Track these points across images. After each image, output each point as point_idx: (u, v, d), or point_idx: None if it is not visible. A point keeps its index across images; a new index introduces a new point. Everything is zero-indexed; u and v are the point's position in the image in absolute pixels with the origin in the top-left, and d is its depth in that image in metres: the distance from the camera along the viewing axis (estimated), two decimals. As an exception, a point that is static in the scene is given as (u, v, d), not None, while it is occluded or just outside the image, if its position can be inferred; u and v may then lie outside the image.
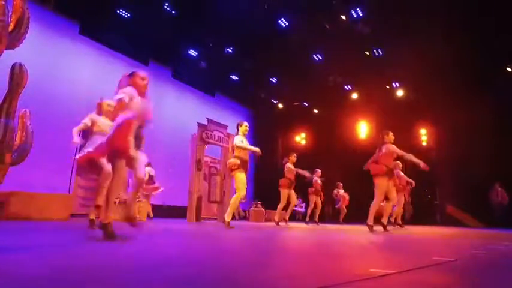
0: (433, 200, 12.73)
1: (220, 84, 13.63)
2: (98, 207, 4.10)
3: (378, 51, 11.07)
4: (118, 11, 9.30)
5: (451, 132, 11.60)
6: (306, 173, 7.98)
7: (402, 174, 7.85)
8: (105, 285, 1.20)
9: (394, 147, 5.53)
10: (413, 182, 7.96)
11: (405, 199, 8.16)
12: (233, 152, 5.63)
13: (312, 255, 2.44)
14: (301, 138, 15.59)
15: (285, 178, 7.79)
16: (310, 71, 12.17)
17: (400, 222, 7.96)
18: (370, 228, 5.44)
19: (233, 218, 5.99)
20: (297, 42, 10.37)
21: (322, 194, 9.34)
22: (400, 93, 12.87)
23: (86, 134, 4.33)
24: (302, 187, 9.31)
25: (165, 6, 9.34)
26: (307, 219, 9.16)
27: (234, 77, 13.11)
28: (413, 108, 12.23)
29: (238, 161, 5.39)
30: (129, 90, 2.78)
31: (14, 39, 4.75)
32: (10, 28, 4.67)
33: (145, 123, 2.85)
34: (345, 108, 13.90)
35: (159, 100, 10.14)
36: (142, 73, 2.95)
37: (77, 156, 3.86)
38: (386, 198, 5.65)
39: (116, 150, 2.67)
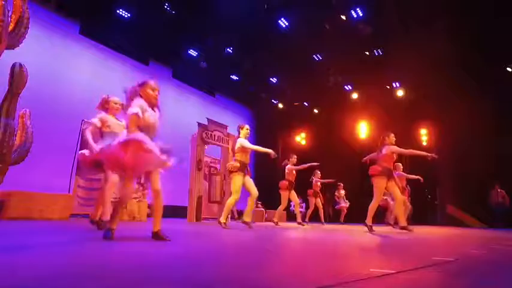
0: (433, 200, 12.73)
1: (221, 84, 13.62)
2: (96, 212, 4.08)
3: (378, 51, 11.07)
4: (118, 11, 9.30)
5: (452, 132, 11.60)
6: (305, 166, 7.94)
7: (404, 174, 7.83)
8: (105, 285, 1.20)
9: (395, 148, 5.54)
10: (420, 178, 7.87)
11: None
12: (233, 155, 5.62)
13: (311, 255, 2.44)
14: (301, 138, 15.59)
15: (285, 180, 7.80)
16: (310, 71, 12.17)
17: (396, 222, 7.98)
18: (370, 228, 5.44)
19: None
20: (297, 42, 10.37)
21: (321, 195, 9.35)
22: (400, 93, 12.87)
23: (95, 134, 4.28)
24: (302, 188, 9.32)
25: (165, 6, 9.34)
26: (306, 219, 9.16)
27: (234, 77, 13.10)
28: (413, 108, 12.24)
29: (238, 164, 5.39)
30: (141, 103, 2.75)
31: (13, 39, 4.75)
32: (10, 28, 4.67)
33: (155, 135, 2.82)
34: (345, 108, 13.91)
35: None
36: (153, 83, 2.90)
37: (84, 153, 3.84)
38: (392, 199, 5.67)
39: (124, 167, 2.65)
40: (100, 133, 4.02)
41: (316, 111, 15.13)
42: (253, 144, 6.12)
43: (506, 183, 10.34)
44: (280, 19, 9.84)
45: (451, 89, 10.95)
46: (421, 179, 7.83)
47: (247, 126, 5.69)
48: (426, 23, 9.29)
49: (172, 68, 11.86)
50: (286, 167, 7.90)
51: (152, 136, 2.74)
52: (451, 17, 8.81)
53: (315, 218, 9.48)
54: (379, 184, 5.45)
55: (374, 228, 5.54)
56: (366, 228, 5.51)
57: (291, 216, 12.18)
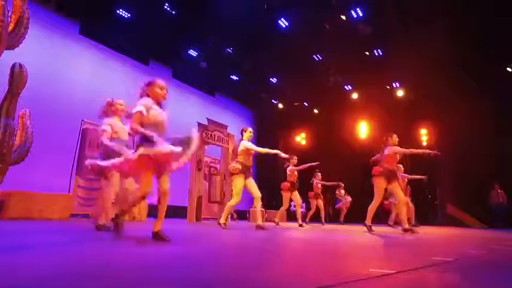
0: (434, 200, 12.73)
1: (221, 84, 13.63)
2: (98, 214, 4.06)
3: (378, 51, 11.07)
4: (118, 11, 9.30)
5: (452, 132, 11.60)
6: (305, 166, 7.96)
7: (406, 175, 7.82)
8: (105, 285, 1.20)
9: (397, 148, 5.55)
10: (423, 177, 7.85)
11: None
12: (235, 157, 5.63)
13: (311, 255, 2.44)
14: (301, 138, 15.59)
15: (287, 181, 7.82)
16: (310, 71, 12.17)
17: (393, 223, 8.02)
18: (369, 228, 5.44)
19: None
20: (297, 42, 10.37)
21: (322, 196, 9.34)
22: (400, 93, 12.87)
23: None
24: (303, 190, 9.31)
25: (165, 7, 9.34)
26: (307, 220, 9.16)
27: (234, 77, 13.10)
28: (413, 108, 12.24)
29: (240, 166, 5.41)
30: (146, 101, 2.77)
31: (13, 39, 4.75)
32: (10, 28, 4.67)
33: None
34: (345, 109, 13.91)
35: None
36: (161, 82, 2.90)
37: (92, 163, 3.84)
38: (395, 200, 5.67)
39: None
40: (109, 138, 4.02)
41: (316, 111, 15.13)
42: (253, 144, 6.11)
43: (506, 183, 10.34)
44: (280, 19, 9.85)
45: (451, 89, 10.95)
46: (425, 177, 7.81)
47: (250, 129, 5.70)
48: (426, 23, 9.29)
49: (172, 68, 11.86)
50: (288, 168, 7.90)
51: (160, 134, 2.75)
52: (451, 17, 8.81)
53: (315, 218, 9.48)
54: (378, 184, 5.45)
55: (374, 228, 5.54)
56: (365, 229, 5.51)
57: (291, 217, 12.18)
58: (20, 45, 4.95)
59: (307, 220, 9.17)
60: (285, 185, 7.81)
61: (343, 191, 10.94)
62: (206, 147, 9.11)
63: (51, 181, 7.15)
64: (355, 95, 13.68)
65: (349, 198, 10.83)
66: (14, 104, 5.07)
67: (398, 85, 12.96)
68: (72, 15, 8.96)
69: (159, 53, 11.05)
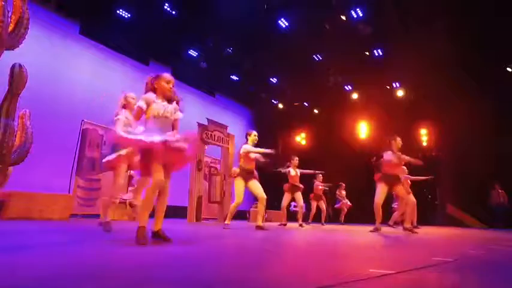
0: (434, 200, 12.73)
1: (221, 84, 13.62)
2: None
3: (378, 51, 11.07)
4: (118, 11, 9.30)
5: (452, 132, 11.61)
6: (305, 172, 8.05)
7: (410, 176, 7.80)
8: (105, 285, 1.20)
9: (392, 156, 5.60)
10: (428, 177, 7.86)
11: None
12: (239, 160, 5.72)
13: (311, 255, 2.44)
14: (301, 139, 15.59)
15: (288, 183, 7.87)
16: (310, 71, 12.17)
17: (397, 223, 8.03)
18: (376, 230, 5.53)
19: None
20: (297, 43, 10.37)
21: (323, 197, 9.34)
22: (400, 93, 12.88)
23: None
24: (304, 191, 9.31)
25: (165, 7, 9.34)
26: (309, 220, 9.19)
27: (234, 77, 13.10)
28: (413, 109, 12.24)
29: (238, 170, 5.53)
30: (148, 96, 2.78)
31: (13, 39, 4.75)
32: (10, 28, 4.67)
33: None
34: (345, 109, 13.91)
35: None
36: (167, 76, 2.91)
37: (109, 159, 3.87)
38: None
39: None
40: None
41: (316, 111, 15.13)
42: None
43: (506, 183, 10.34)
44: (280, 19, 9.85)
45: (451, 89, 10.95)
46: (430, 177, 7.80)
47: (255, 133, 5.72)
48: (426, 23, 9.29)
49: (172, 68, 11.86)
50: (288, 169, 7.92)
51: (163, 127, 2.75)
52: (451, 17, 8.81)
53: (315, 218, 9.49)
54: (377, 188, 5.62)
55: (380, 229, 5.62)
56: (366, 228, 5.56)
57: (291, 217, 12.17)
58: (20, 46, 4.95)
59: (309, 220, 9.17)
60: (287, 186, 7.86)
61: (344, 191, 10.94)
62: (206, 147, 9.11)
63: (51, 181, 7.15)
64: (355, 95, 13.68)
65: (347, 202, 10.82)
66: (14, 104, 5.07)
67: (398, 85, 12.96)
68: (72, 15, 8.95)
69: (159, 53, 11.05)
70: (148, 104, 2.74)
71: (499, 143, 10.22)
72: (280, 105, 15.23)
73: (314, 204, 9.17)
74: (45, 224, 4.84)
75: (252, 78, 13.16)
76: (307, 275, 1.53)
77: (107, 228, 3.74)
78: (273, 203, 10.32)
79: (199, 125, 8.72)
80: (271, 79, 13.41)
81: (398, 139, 5.71)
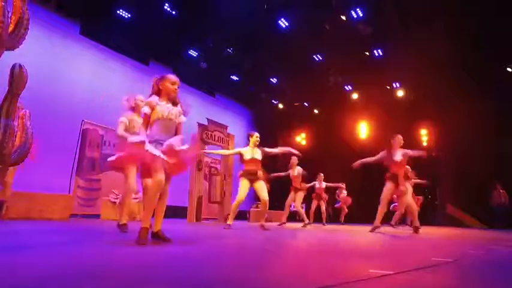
0: (434, 200, 12.72)
1: (221, 85, 13.62)
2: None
3: (378, 52, 11.06)
4: (118, 11, 9.30)
5: (452, 132, 11.60)
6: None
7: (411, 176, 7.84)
8: (105, 285, 1.20)
9: (385, 157, 5.69)
10: (423, 181, 7.95)
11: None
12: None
13: (311, 256, 2.44)
14: (301, 139, 15.58)
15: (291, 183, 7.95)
16: (310, 71, 12.17)
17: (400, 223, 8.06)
18: (375, 228, 5.56)
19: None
20: (297, 43, 10.37)
21: (324, 197, 9.34)
22: (400, 93, 12.87)
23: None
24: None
25: (166, 7, 9.34)
26: (309, 220, 9.20)
27: (234, 77, 13.10)
28: (413, 109, 12.23)
29: (241, 171, 5.66)
30: (151, 99, 2.77)
31: (13, 40, 4.74)
32: (10, 29, 4.67)
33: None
34: (345, 109, 13.91)
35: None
36: (172, 77, 2.90)
37: (112, 159, 3.88)
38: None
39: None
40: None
41: (316, 111, 15.13)
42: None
43: (507, 183, 10.34)
44: (280, 19, 9.85)
45: (451, 89, 10.94)
46: (425, 182, 7.98)
47: (256, 134, 5.74)
48: (426, 23, 9.29)
49: (172, 68, 11.86)
50: (288, 172, 7.96)
51: (168, 130, 2.75)
52: (451, 17, 8.81)
53: (316, 218, 9.49)
54: (384, 190, 5.68)
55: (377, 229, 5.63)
56: (366, 229, 5.58)
57: (291, 217, 12.17)
58: (20, 46, 4.96)
59: (310, 221, 9.18)
60: (292, 186, 7.96)
61: (344, 192, 10.94)
62: (206, 147, 9.11)
63: (51, 181, 7.16)
64: (355, 95, 13.67)
65: (349, 199, 10.82)
66: (14, 104, 5.06)
67: (398, 85, 12.96)
68: (72, 15, 8.96)
69: (159, 53, 11.05)
70: (152, 108, 2.72)
71: (499, 143, 10.22)
72: (280, 105, 15.23)
73: (315, 203, 9.17)
74: (45, 224, 4.84)
75: (252, 78, 13.16)
76: (307, 275, 1.54)
77: (123, 230, 3.81)
78: (274, 203, 10.31)
79: (200, 125, 8.72)
80: (271, 79, 13.41)
81: (398, 137, 5.76)
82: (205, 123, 8.92)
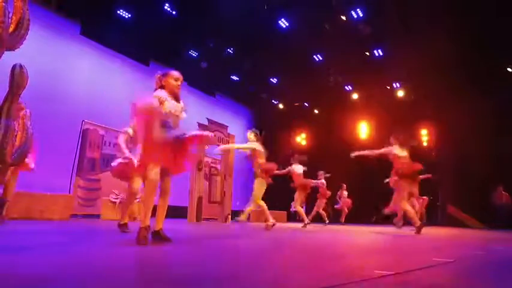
0: (435, 201, 12.69)
1: (221, 85, 13.62)
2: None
3: (378, 52, 11.06)
4: (119, 12, 9.30)
5: (452, 132, 11.60)
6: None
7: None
8: (106, 284, 1.20)
9: (400, 153, 5.69)
10: (429, 176, 7.93)
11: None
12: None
13: (311, 256, 2.44)
14: (301, 139, 15.58)
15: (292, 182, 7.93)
16: (310, 71, 12.16)
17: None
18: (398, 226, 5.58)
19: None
20: (297, 43, 10.37)
21: (326, 195, 9.33)
22: (400, 93, 12.87)
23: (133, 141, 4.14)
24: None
25: (166, 7, 9.34)
26: (309, 219, 9.18)
27: (235, 77, 13.10)
28: (414, 109, 12.22)
29: (261, 169, 5.67)
30: (160, 94, 2.76)
31: (14, 40, 4.73)
32: (10, 29, 4.67)
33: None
34: (346, 109, 13.90)
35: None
36: (175, 73, 2.91)
37: (114, 164, 3.90)
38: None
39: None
40: (134, 141, 4.07)
41: (316, 111, 15.12)
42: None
43: (507, 184, 10.33)
44: (280, 19, 9.85)
45: (451, 89, 10.94)
46: (430, 176, 7.89)
47: (250, 131, 5.79)
48: (426, 23, 9.28)
49: (172, 68, 11.82)
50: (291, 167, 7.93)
51: (173, 125, 2.75)
52: (451, 17, 8.81)
53: (316, 218, 9.48)
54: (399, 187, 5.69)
55: (375, 229, 5.61)
56: (366, 229, 5.58)
57: (291, 217, 12.18)
58: (20, 47, 4.96)
59: (308, 220, 9.16)
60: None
61: (345, 192, 10.93)
62: (207, 147, 9.10)
63: (52, 181, 7.15)
64: (355, 95, 13.67)
65: (349, 201, 10.81)
66: (14, 104, 5.07)
67: (398, 85, 12.96)
68: (72, 15, 8.95)
69: (159, 53, 11.04)
70: (161, 102, 2.72)
71: (499, 143, 10.21)
72: (281, 106, 15.23)
73: (322, 202, 9.18)
74: (45, 224, 4.85)
75: (252, 78, 13.16)
76: (309, 275, 1.54)
77: (123, 230, 3.86)
78: (274, 202, 10.33)
79: (200, 125, 8.72)
80: (271, 79, 13.41)
81: (401, 136, 5.78)
82: (206, 123, 8.93)
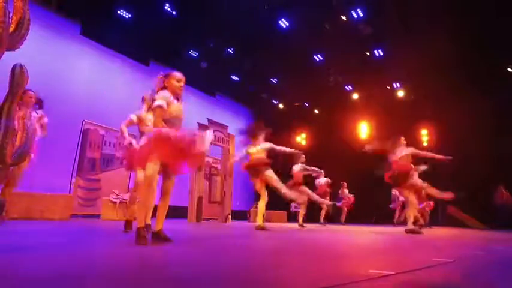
0: (437, 202, 12.67)
1: (221, 85, 13.62)
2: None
3: (378, 52, 11.06)
4: (119, 12, 9.31)
5: (453, 132, 11.58)
6: (310, 170, 8.12)
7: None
8: (106, 284, 1.20)
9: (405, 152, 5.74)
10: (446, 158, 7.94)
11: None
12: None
13: (311, 256, 2.44)
14: (301, 139, 15.58)
15: (292, 180, 7.91)
16: (310, 71, 12.16)
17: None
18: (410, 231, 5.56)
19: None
20: (298, 43, 10.37)
21: (327, 194, 9.32)
22: (401, 93, 12.87)
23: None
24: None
25: (166, 7, 9.35)
26: (322, 220, 9.21)
27: (235, 77, 13.11)
28: (414, 109, 12.22)
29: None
30: (165, 95, 2.74)
31: (14, 40, 4.73)
32: (11, 29, 4.67)
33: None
34: (346, 109, 13.89)
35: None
36: (178, 74, 2.89)
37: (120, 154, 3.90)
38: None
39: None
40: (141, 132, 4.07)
41: (316, 111, 15.12)
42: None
43: (507, 184, 10.33)
44: (280, 19, 9.85)
45: (451, 89, 10.93)
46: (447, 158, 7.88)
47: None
48: (426, 23, 9.28)
49: (172, 68, 11.83)
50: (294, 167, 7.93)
51: (177, 127, 2.75)
52: (451, 17, 8.81)
53: (316, 218, 9.48)
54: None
55: (375, 229, 5.61)
56: (367, 229, 5.57)
57: (291, 217, 12.18)
58: (20, 47, 4.96)
59: (322, 220, 9.18)
60: (289, 183, 7.88)
61: (346, 190, 10.93)
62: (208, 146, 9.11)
63: (52, 181, 7.16)
64: (355, 95, 13.67)
65: (351, 198, 10.81)
66: (14, 104, 5.07)
67: (398, 85, 12.95)
68: (72, 15, 8.96)
69: (159, 53, 11.05)
70: (168, 104, 2.71)
71: (499, 143, 10.21)
72: (281, 106, 15.22)
73: (326, 199, 9.19)
74: (45, 224, 4.85)
75: (253, 78, 13.16)
76: (309, 275, 1.54)
77: (127, 230, 3.92)
78: (273, 202, 10.31)
79: (200, 125, 8.72)
80: (271, 79, 13.41)
81: (402, 138, 5.80)
82: (206, 123, 8.92)
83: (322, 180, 9.30)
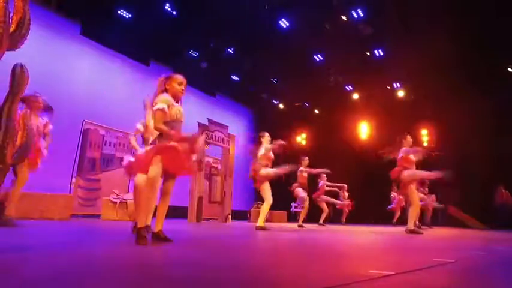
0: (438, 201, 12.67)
1: (221, 85, 13.63)
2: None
3: (378, 52, 11.06)
4: (119, 12, 9.31)
5: (453, 132, 11.58)
6: (315, 172, 8.17)
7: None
8: (106, 284, 1.20)
9: (411, 151, 5.75)
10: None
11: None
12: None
13: (311, 256, 2.44)
14: (302, 139, 15.57)
15: (296, 182, 7.95)
16: (311, 71, 12.16)
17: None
18: (411, 231, 5.55)
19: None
20: (298, 43, 10.37)
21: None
22: (401, 93, 12.87)
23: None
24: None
25: (166, 7, 9.35)
26: (321, 221, 9.21)
27: (235, 77, 13.11)
28: (414, 109, 12.22)
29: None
30: (166, 98, 2.73)
31: (15, 40, 4.73)
32: (11, 29, 4.67)
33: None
34: (346, 109, 13.90)
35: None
36: (179, 77, 2.87)
37: (124, 162, 3.90)
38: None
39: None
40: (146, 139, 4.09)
41: (316, 111, 15.12)
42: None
43: (507, 184, 10.33)
44: (280, 19, 9.85)
45: (451, 89, 10.93)
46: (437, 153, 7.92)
47: (267, 134, 5.95)
48: (426, 23, 9.28)
49: (172, 68, 11.85)
50: (299, 170, 7.95)
51: (178, 131, 2.76)
52: (451, 17, 8.81)
53: (315, 218, 9.48)
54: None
55: (376, 229, 5.61)
56: (367, 229, 5.57)
57: (291, 217, 12.17)
58: (21, 46, 4.96)
59: (321, 221, 9.19)
60: (294, 185, 7.94)
61: (346, 193, 10.94)
62: (207, 147, 9.12)
63: (52, 181, 7.15)
64: (355, 96, 13.67)
65: (350, 203, 10.83)
66: (15, 104, 5.07)
67: (398, 85, 12.95)
68: (72, 15, 8.96)
69: (159, 53, 11.05)
70: (169, 107, 2.70)
71: (499, 143, 10.21)
72: (281, 106, 15.22)
73: (329, 202, 9.24)
74: (45, 224, 4.85)
75: (253, 78, 13.16)
76: (309, 276, 1.54)
77: (135, 231, 3.88)
78: (273, 202, 10.32)
79: (200, 125, 8.73)
80: (272, 79, 13.41)
81: (409, 137, 5.83)
82: (206, 123, 8.93)
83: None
